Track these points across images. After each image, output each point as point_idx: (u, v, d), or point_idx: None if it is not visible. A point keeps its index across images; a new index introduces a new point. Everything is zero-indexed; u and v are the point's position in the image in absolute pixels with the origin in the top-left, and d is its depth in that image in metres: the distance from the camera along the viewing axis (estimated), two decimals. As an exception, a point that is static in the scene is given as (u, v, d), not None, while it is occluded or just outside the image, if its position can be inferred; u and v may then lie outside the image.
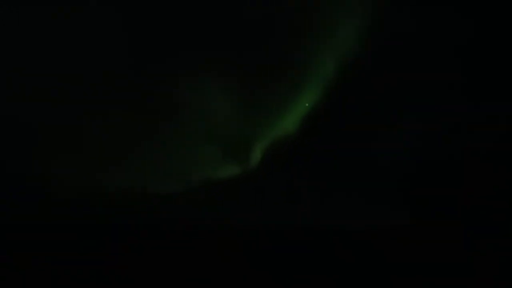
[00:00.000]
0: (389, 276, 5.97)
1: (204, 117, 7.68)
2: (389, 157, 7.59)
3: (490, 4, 6.98)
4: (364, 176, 7.68)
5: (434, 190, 7.60)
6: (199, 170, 7.73)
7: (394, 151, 7.56)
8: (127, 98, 7.52)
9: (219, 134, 7.73)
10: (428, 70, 7.37)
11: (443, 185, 7.60)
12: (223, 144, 7.76)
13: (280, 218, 7.48)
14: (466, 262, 6.19)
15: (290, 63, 7.44)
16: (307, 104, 7.50)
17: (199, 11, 7.28)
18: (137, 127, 7.58)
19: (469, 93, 7.37)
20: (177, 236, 7.12)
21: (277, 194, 7.64)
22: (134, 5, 7.36)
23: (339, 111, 7.60)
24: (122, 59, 7.39)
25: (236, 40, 7.33)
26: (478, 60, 7.25)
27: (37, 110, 7.35)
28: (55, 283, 5.99)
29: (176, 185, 7.66)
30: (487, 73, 7.26)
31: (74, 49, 7.36)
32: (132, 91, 7.50)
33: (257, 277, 5.94)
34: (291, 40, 7.33)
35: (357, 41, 7.22)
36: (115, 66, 7.37)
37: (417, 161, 7.61)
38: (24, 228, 6.97)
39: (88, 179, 7.38)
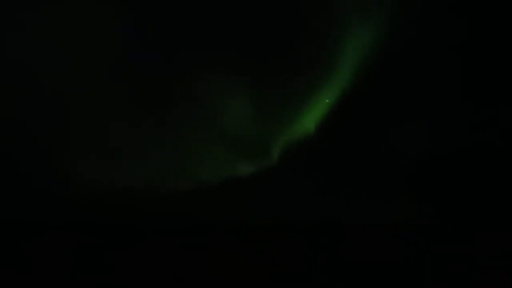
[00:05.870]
0: (396, 273, 5.80)
1: (218, 116, 7.51)
2: (400, 155, 7.71)
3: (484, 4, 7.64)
4: (374, 173, 7.70)
5: (440, 187, 7.77)
6: (213, 169, 7.44)
7: (403, 149, 7.71)
8: (141, 97, 7.40)
9: (234, 133, 7.52)
10: (429, 70, 7.81)
11: (448, 183, 7.80)
12: (237, 143, 7.54)
13: (294, 215, 7.31)
14: (468, 261, 6.19)
15: (308, 62, 7.58)
16: (327, 100, 7.53)
17: (218, 11, 7.36)
18: (151, 126, 7.41)
19: (470, 93, 7.87)
20: (188, 235, 6.82)
21: (291, 192, 7.47)
22: (147, 3, 7.31)
23: (351, 110, 7.71)
24: (137, 59, 7.30)
25: (253, 38, 7.43)
26: (478, 61, 7.83)
27: (46, 109, 7.15)
28: (57, 282, 5.36)
29: (189, 184, 7.43)
30: (487, 73, 7.85)
31: (85, 49, 7.29)
32: (145, 90, 7.41)
33: (266, 274, 5.56)
34: (309, 39, 7.53)
35: (371, 43, 7.57)
36: (130, 65, 7.28)
37: (424, 159, 7.79)
38: (29, 226, 6.62)
39: (100, 177, 7.09)
